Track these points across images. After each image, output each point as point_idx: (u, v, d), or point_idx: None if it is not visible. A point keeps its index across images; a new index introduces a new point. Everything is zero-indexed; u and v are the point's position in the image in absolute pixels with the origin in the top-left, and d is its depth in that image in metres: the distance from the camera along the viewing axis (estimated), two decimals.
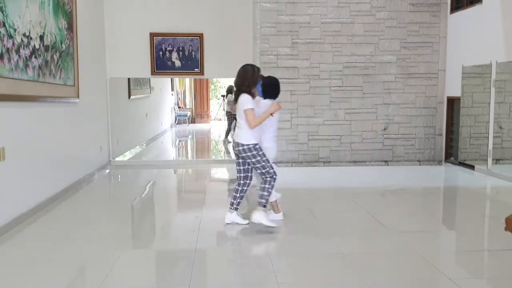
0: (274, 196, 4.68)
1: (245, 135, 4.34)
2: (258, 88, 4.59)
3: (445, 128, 8.47)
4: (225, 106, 11.96)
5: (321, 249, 3.94)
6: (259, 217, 4.39)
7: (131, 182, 7.26)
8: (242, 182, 4.55)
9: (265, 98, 4.62)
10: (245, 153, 4.35)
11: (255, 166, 4.40)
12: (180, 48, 8.21)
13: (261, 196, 4.42)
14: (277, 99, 4.71)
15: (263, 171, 4.40)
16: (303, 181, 6.87)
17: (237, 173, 4.56)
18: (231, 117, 10.93)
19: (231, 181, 7.44)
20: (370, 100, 8.30)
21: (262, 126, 4.41)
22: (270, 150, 4.60)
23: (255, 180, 4.72)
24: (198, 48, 8.20)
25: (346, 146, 8.31)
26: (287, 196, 5.93)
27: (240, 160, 4.50)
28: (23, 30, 4.66)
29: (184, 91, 18.04)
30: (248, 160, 4.40)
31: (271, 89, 4.72)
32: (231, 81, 21.30)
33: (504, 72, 6.97)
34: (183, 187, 7.17)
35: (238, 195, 4.55)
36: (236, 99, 4.43)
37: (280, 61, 8.19)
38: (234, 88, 4.62)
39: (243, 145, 4.34)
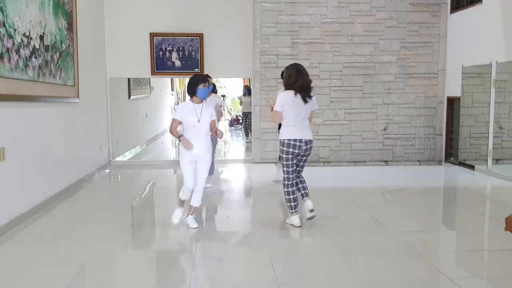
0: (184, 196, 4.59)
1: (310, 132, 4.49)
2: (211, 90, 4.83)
3: (445, 128, 8.47)
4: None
5: (321, 249, 3.94)
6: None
7: (131, 182, 7.26)
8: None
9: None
10: (311, 150, 4.49)
11: (306, 162, 4.56)
12: (180, 48, 8.21)
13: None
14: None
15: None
16: None
17: (293, 173, 4.46)
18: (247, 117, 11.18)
19: (231, 181, 7.44)
20: (370, 100, 8.30)
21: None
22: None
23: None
24: (198, 48, 8.20)
25: (346, 146, 8.32)
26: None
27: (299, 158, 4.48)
28: (23, 30, 4.66)
29: (184, 91, 18.03)
30: (307, 158, 4.51)
31: None
32: (231, 81, 21.22)
33: (504, 72, 6.97)
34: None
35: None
36: (305, 99, 4.31)
37: (280, 61, 8.19)
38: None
39: (311, 141, 4.45)
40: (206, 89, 4.47)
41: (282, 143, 4.37)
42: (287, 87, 4.34)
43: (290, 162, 4.39)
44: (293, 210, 4.46)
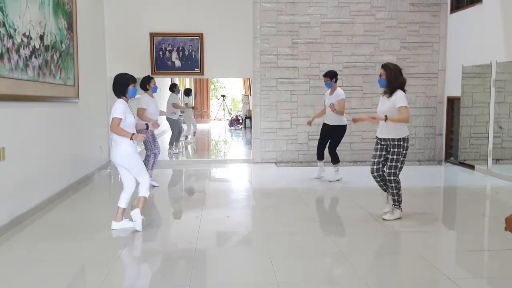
0: (124, 204, 4.44)
1: None
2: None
3: (445, 128, 8.47)
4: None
5: (321, 249, 3.94)
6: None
7: None
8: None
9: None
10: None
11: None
12: (180, 48, 8.21)
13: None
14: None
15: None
16: (303, 181, 6.87)
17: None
18: None
19: (231, 181, 7.44)
20: (370, 100, 8.30)
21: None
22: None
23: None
24: (198, 48, 8.20)
25: (346, 146, 8.31)
26: (288, 196, 5.94)
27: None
28: (23, 30, 4.66)
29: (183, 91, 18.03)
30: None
31: None
32: (231, 81, 21.12)
33: (504, 72, 6.97)
34: (183, 187, 7.17)
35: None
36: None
37: (280, 61, 8.20)
38: None
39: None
40: (136, 89, 4.48)
41: (405, 140, 4.53)
42: (402, 86, 4.55)
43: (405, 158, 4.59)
44: (401, 204, 4.70)
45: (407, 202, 5.71)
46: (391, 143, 4.52)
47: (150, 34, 8.12)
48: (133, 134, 4.27)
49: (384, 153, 4.61)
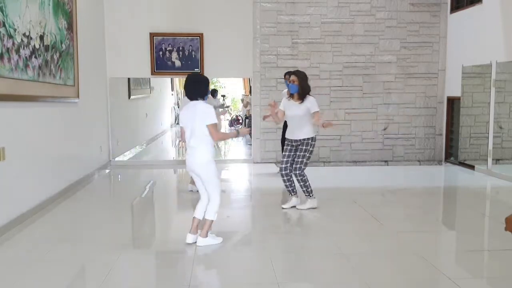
0: (201, 215, 4.07)
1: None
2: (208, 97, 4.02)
3: (445, 128, 8.47)
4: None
5: (321, 249, 3.94)
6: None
7: (131, 182, 7.26)
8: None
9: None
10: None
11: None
12: (180, 48, 8.21)
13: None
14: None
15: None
16: None
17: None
18: None
19: (231, 181, 7.44)
20: (370, 100, 8.30)
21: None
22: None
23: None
24: (198, 48, 8.19)
25: (346, 146, 8.32)
26: (288, 196, 5.93)
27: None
28: (23, 30, 4.66)
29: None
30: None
31: None
32: (231, 81, 21.21)
33: (504, 72, 6.97)
34: (183, 187, 7.17)
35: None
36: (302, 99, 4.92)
37: (280, 61, 8.19)
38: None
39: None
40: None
41: (314, 139, 4.99)
42: (309, 91, 4.99)
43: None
44: (312, 193, 5.16)
45: (407, 202, 5.73)
46: (304, 142, 4.94)
47: (150, 34, 8.12)
48: (237, 130, 4.34)
49: (293, 153, 5.02)
